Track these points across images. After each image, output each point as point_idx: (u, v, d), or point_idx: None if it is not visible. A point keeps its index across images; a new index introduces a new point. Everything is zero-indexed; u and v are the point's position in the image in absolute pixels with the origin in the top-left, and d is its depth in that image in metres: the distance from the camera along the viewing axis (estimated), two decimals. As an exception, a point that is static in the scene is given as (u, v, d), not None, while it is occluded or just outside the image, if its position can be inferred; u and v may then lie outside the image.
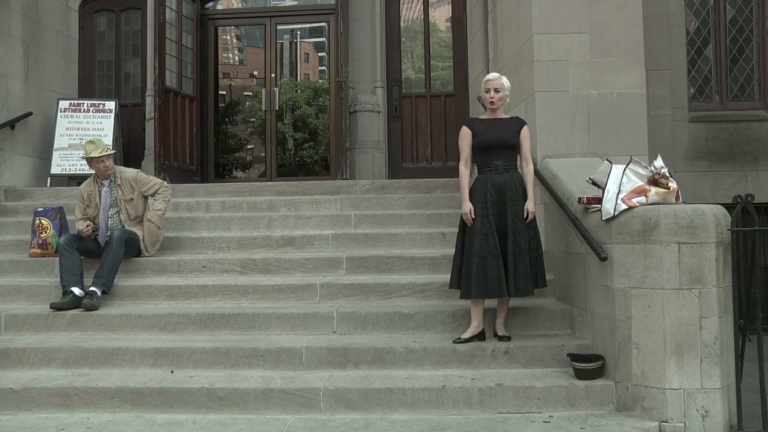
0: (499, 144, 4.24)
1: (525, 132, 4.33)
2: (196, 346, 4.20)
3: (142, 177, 5.39)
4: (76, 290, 4.79)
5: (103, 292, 4.84)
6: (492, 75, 4.38)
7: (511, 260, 4.09)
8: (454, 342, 4.17)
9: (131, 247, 5.15)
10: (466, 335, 4.21)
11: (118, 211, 5.27)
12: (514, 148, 4.29)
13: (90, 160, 5.19)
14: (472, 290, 4.09)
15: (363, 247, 5.53)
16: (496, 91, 4.29)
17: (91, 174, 5.38)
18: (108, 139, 7.55)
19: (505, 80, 4.34)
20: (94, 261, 5.12)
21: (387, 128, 8.57)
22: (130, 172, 5.40)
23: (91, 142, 5.26)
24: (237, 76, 10.49)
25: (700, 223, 3.57)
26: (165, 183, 5.46)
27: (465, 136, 4.34)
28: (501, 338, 4.22)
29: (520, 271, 4.09)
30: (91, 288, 4.79)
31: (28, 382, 3.96)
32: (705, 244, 3.56)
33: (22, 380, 3.99)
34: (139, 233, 5.26)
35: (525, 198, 4.22)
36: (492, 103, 4.29)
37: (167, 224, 5.95)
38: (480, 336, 4.23)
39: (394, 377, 3.93)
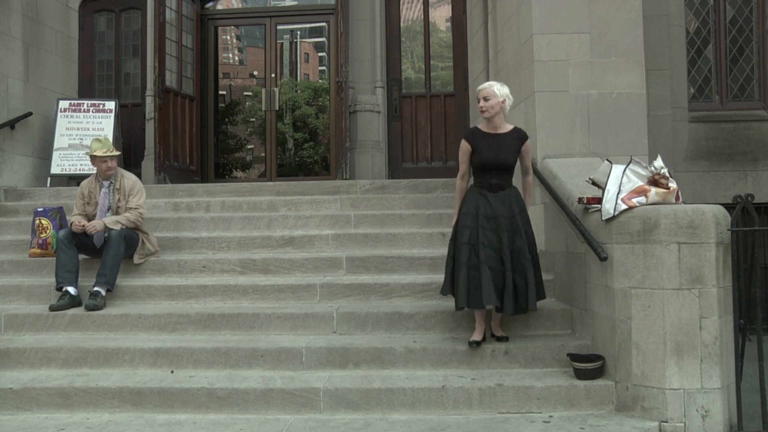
0: (497, 166, 4.15)
1: (526, 147, 4.25)
2: (196, 346, 4.20)
3: (136, 188, 5.26)
4: (72, 290, 4.80)
5: (108, 291, 4.84)
6: (483, 84, 4.27)
7: (510, 277, 4.02)
8: (470, 346, 4.09)
9: (130, 245, 5.14)
10: (478, 338, 4.15)
11: (113, 214, 5.22)
12: (512, 168, 4.21)
13: (93, 158, 5.18)
14: (459, 300, 4.05)
15: (363, 247, 5.54)
16: (486, 99, 4.16)
17: (93, 173, 5.36)
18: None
19: (497, 88, 4.17)
20: (90, 260, 5.13)
21: (387, 128, 8.58)
22: (130, 180, 5.30)
23: (98, 140, 5.25)
24: (237, 76, 10.50)
25: (700, 223, 3.57)
26: (141, 210, 5.22)
27: (464, 151, 4.23)
28: (499, 339, 4.20)
29: (520, 288, 4.02)
30: (95, 288, 4.79)
31: (28, 382, 3.96)
32: (705, 244, 3.56)
33: (22, 380, 3.99)
34: (138, 234, 5.26)
35: (520, 211, 4.14)
36: (483, 111, 4.18)
37: (167, 224, 5.97)
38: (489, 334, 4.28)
39: (394, 377, 3.93)
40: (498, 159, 4.14)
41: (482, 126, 4.27)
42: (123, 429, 3.59)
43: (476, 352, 4.07)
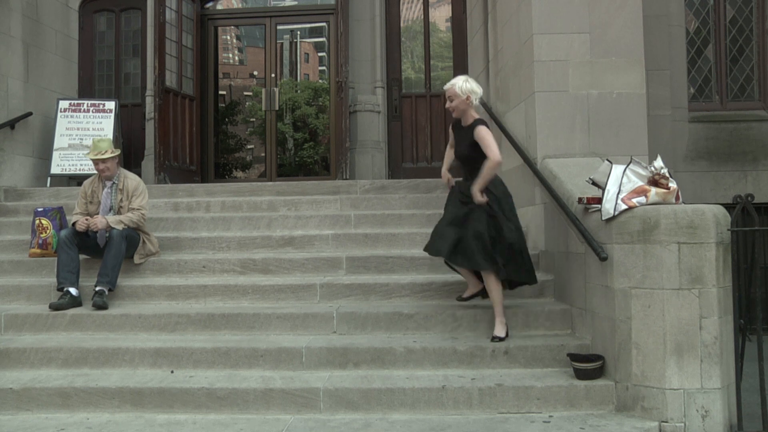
0: (461, 158, 4.41)
1: (477, 134, 4.21)
2: (196, 346, 4.20)
3: (139, 189, 5.28)
4: (73, 290, 4.80)
5: (110, 290, 4.85)
6: (447, 84, 4.35)
7: (464, 239, 4.24)
8: (457, 299, 4.52)
9: (131, 245, 5.14)
10: (467, 294, 4.51)
11: (115, 214, 5.22)
12: (475, 157, 4.23)
13: (93, 160, 5.20)
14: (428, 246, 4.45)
15: (363, 247, 5.53)
16: (450, 100, 4.30)
17: (95, 173, 5.36)
18: (108, 140, 7.55)
19: (459, 87, 4.24)
20: (91, 260, 5.13)
21: (387, 128, 8.57)
22: (133, 180, 5.31)
23: (95, 141, 5.25)
24: (237, 76, 10.51)
25: (700, 223, 3.57)
26: (143, 211, 5.22)
27: (450, 133, 4.61)
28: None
29: (472, 247, 4.15)
30: (99, 287, 4.79)
31: (28, 382, 3.96)
32: (705, 244, 3.56)
33: (22, 380, 3.99)
34: (139, 234, 5.26)
35: (493, 200, 4.23)
36: (451, 110, 4.38)
37: (167, 224, 5.97)
38: (482, 293, 4.46)
39: (394, 377, 3.93)
40: (459, 151, 4.43)
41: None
42: (123, 429, 3.59)
43: (476, 352, 4.07)
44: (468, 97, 4.25)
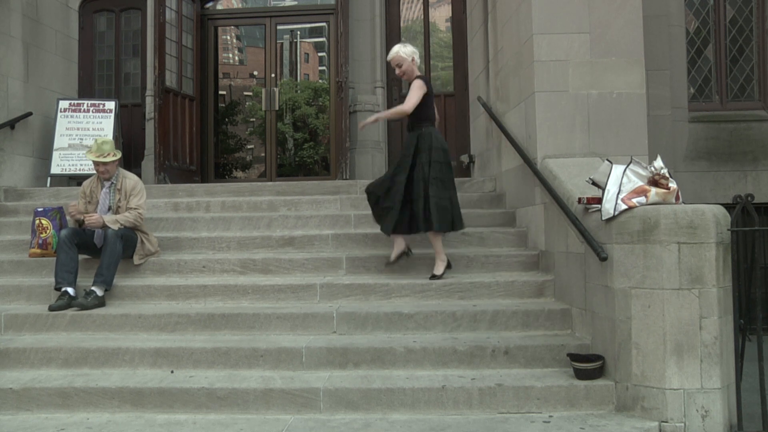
0: None
1: (412, 85, 4.88)
2: (196, 346, 4.20)
3: (137, 189, 5.27)
4: (71, 290, 4.79)
5: (105, 290, 4.85)
6: (390, 54, 5.02)
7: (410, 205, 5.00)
8: (386, 264, 5.06)
9: (128, 245, 5.14)
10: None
11: (113, 214, 5.22)
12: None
13: (94, 162, 5.20)
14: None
15: (363, 247, 5.53)
16: (399, 66, 5.00)
17: (93, 174, 5.36)
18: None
19: (403, 52, 4.93)
20: (91, 260, 5.13)
21: (387, 128, 8.57)
22: (131, 180, 5.30)
23: (98, 143, 5.22)
24: (237, 76, 10.52)
25: (700, 223, 3.57)
26: (141, 210, 5.21)
27: None
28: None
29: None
30: (92, 287, 4.79)
31: (28, 382, 3.96)
32: (705, 244, 3.56)
33: (22, 380, 3.99)
34: (137, 234, 5.26)
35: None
36: (402, 75, 5.05)
37: (167, 224, 5.97)
38: (407, 252, 5.09)
39: (394, 377, 3.93)
40: None
41: None
42: (123, 429, 3.59)
43: (476, 352, 4.07)
44: (413, 59, 4.97)
